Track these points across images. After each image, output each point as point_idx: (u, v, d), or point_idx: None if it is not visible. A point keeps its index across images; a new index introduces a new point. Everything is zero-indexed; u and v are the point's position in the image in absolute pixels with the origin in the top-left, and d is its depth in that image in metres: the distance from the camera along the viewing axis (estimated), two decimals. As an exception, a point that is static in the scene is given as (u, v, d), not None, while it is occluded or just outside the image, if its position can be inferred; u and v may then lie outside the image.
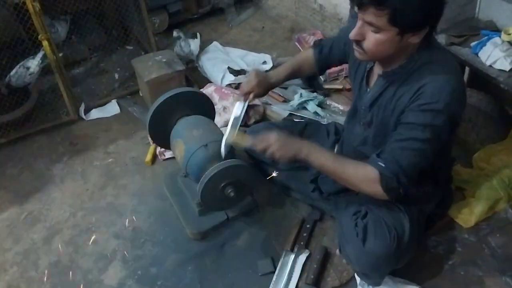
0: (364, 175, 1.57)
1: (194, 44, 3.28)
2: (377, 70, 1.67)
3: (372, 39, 1.47)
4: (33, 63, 2.79)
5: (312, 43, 2.16)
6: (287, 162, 1.67)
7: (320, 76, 2.96)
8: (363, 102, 1.74)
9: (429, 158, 1.55)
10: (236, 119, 1.92)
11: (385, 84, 1.62)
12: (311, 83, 2.94)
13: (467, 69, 2.69)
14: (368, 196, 1.64)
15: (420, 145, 1.51)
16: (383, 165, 1.53)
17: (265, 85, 1.96)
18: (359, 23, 1.48)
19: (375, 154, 1.58)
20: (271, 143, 1.64)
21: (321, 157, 1.64)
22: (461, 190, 2.20)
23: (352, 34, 1.50)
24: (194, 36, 3.35)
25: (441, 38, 2.56)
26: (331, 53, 1.99)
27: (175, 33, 3.30)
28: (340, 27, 3.25)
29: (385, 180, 1.53)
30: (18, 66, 2.79)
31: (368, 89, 1.72)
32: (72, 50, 3.32)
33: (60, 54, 2.83)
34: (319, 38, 3.35)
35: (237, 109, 1.94)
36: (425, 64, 1.52)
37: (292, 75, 2.05)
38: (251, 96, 1.94)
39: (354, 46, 1.55)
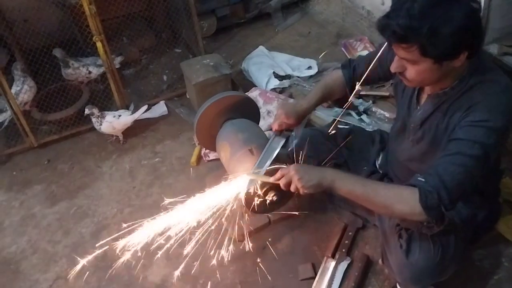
0: (399, 194, 1.46)
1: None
2: (427, 89, 1.64)
3: (412, 70, 1.46)
4: (97, 70, 3.04)
5: (340, 65, 2.04)
6: (313, 191, 1.52)
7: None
8: (413, 119, 1.70)
9: (474, 178, 1.45)
10: (268, 153, 1.81)
11: (436, 104, 1.59)
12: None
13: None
14: None
15: (467, 161, 1.41)
16: (423, 179, 1.44)
17: (295, 115, 1.86)
18: (396, 57, 1.48)
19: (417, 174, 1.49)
20: (292, 174, 1.52)
21: (347, 182, 1.51)
22: (509, 203, 2.14)
23: (393, 68, 1.50)
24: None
25: (493, 48, 2.51)
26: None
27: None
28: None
29: (425, 195, 1.40)
30: (81, 65, 2.99)
31: (418, 107, 1.69)
32: (123, 52, 3.43)
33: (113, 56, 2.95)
34: (365, 43, 3.34)
35: (274, 143, 1.85)
36: (476, 84, 1.49)
37: (322, 99, 1.98)
38: (284, 128, 1.87)
39: (399, 75, 1.54)
